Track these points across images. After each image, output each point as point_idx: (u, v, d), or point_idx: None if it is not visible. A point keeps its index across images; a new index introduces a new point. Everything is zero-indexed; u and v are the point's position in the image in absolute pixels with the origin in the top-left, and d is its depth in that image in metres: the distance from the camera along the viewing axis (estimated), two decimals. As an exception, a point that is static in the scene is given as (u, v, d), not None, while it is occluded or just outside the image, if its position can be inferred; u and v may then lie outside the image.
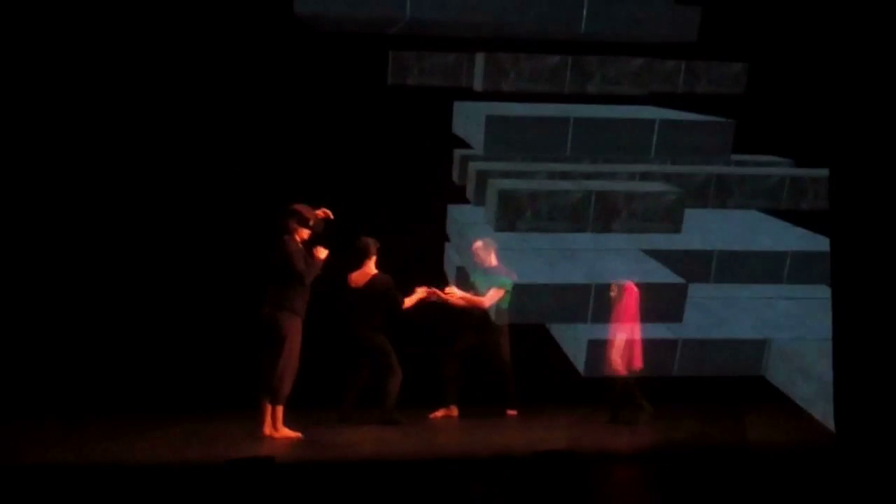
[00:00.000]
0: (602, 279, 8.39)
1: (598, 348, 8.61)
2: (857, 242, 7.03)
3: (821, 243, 9.60)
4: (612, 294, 8.45)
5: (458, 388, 9.31)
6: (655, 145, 8.90)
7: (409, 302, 8.94)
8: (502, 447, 7.80)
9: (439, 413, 9.21)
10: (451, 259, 10.38)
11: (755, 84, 10.17)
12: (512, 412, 9.21)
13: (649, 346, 8.65)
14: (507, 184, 8.59)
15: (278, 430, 8.25)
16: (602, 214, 8.37)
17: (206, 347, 9.20)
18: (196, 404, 8.84)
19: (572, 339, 8.97)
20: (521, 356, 9.45)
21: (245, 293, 8.48)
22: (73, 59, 9.15)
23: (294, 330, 8.16)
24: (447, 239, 10.70)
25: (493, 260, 8.71)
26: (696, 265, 9.31)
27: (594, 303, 8.38)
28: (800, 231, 9.94)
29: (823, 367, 7.86)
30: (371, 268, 9.10)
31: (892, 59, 7.05)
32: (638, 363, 8.38)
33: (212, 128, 9.55)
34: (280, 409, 8.21)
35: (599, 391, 8.82)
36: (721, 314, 9.15)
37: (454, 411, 9.28)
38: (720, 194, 9.51)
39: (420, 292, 9.00)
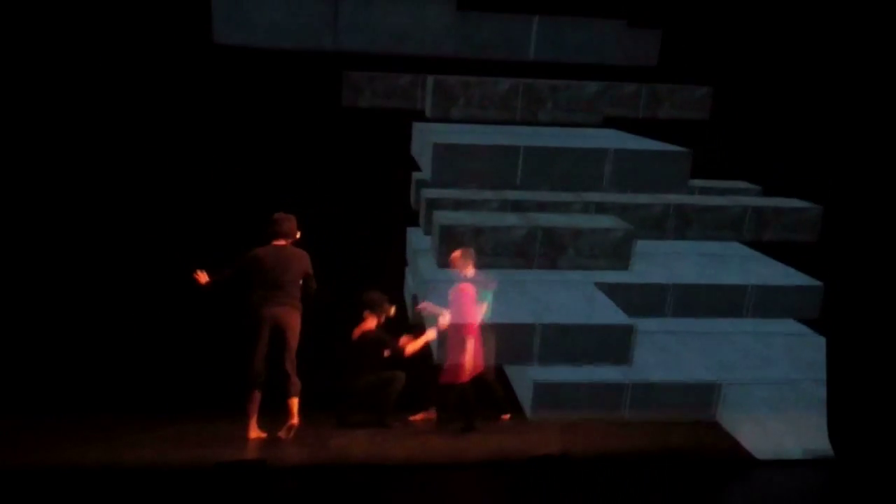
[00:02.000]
0: (550, 318, 8.03)
1: (545, 390, 8.27)
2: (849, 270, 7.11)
3: (787, 276, 9.29)
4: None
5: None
6: (609, 175, 8.55)
7: (410, 349, 8.60)
8: (496, 451, 7.69)
9: (419, 416, 8.85)
10: (409, 284, 10.06)
11: (720, 108, 9.79)
12: (505, 417, 8.82)
13: (598, 389, 8.30)
14: (451, 217, 8.25)
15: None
16: (548, 251, 8.04)
17: (198, 349, 9.11)
18: (188, 405, 8.74)
19: (520, 381, 8.64)
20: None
21: (237, 295, 8.28)
22: (66, 64, 9.10)
23: (300, 325, 8.16)
24: (406, 263, 10.38)
25: (470, 270, 8.34)
26: (651, 298, 8.97)
27: (540, 343, 8.03)
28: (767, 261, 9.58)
29: (777, 419, 7.54)
30: (371, 323, 8.82)
31: (861, 81, 6.76)
32: (481, 365, 8.12)
33: (193, 140, 9.51)
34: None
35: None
36: (675, 352, 8.78)
37: (432, 414, 8.87)
38: (679, 225, 9.16)
39: (418, 343, 8.62)
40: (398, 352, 8.44)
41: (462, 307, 8.01)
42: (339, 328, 8.81)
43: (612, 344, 8.12)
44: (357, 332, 8.63)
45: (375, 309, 8.54)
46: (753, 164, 10.20)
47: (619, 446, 7.67)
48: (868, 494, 6.25)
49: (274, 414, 7.89)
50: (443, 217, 8.11)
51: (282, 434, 7.82)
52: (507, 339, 8.06)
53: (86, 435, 7.95)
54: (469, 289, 8.05)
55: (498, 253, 7.95)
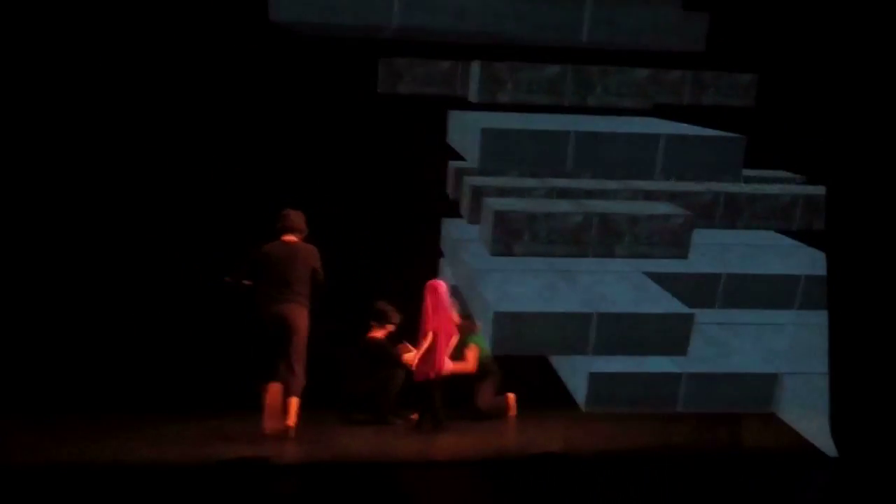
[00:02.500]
0: (602, 307, 7.80)
1: (601, 381, 8.04)
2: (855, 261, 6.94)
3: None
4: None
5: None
6: (661, 162, 8.32)
7: (409, 360, 8.63)
8: (498, 449, 7.76)
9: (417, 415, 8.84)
10: (445, 275, 9.83)
11: (765, 96, 9.59)
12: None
13: (653, 380, 8.07)
14: (504, 204, 8.02)
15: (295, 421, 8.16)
16: (604, 238, 7.81)
17: (199, 347, 9.15)
18: (190, 404, 8.80)
19: (570, 372, 8.41)
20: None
21: (239, 293, 8.41)
22: (66, 63, 9.13)
23: (307, 322, 8.23)
24: (441, 254, 10.14)
25: (454, 317, 8.65)
26: (701, 290, 8.74)
27: (595, 333, 7.79)
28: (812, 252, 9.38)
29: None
30: (377, 332, 8.89)
31: None
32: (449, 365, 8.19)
33: (206, 135, 9.47)
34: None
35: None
36: (728, 344, 8.56)
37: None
38: (729, 214, 8.95)
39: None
40: (399, 363, 8.51)
41: (435, 304, 8.03)
42: (356, 327, 8.85)
43: (669, 334, 7.89)
44: (364, 340, 8.70)
45: (381, 320, 8.65)
46: (797, 154, 10.01)
47: (620, 445, 7.71)
48: (871, 491, 6.28)
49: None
50: (496, 203, 7.88)
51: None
52: (561, 329, 7.81)
53: (87, 434, 7.94)
54: (441, 286, 8.04)
55: (552, 240, 7.72)
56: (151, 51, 9.17)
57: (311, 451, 7.65)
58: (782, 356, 8.43)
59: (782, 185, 9.40)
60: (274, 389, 7.90)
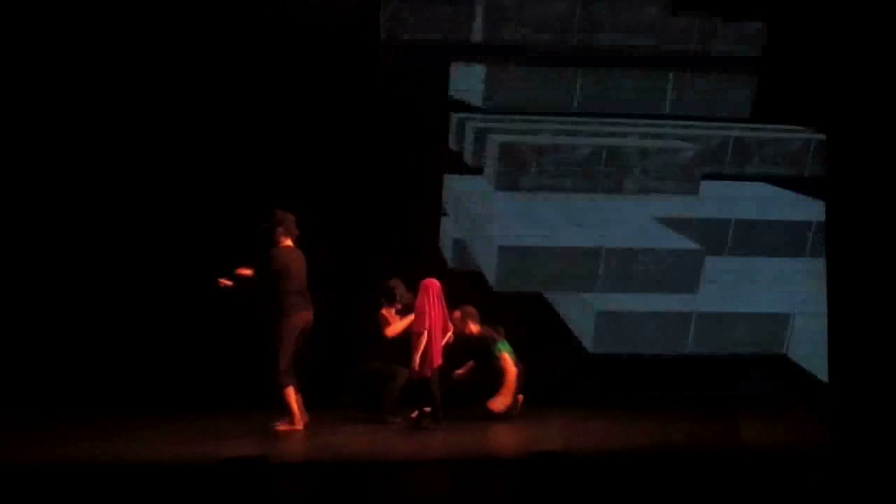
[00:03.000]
0: (613, 244, 7.61)
1: (608, 321, 7.84)
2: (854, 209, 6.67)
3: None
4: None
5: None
6: (670, 101, 8.15)
7: (390, 332, 8.35)
8: (496, 448, 7.68)
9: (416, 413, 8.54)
10: (448, 233, 9.63)
11: (774, 46, 9.42)
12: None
13: (663, 320, 7.88)
14: (510, 137, 7.82)
15: None
16: (614, 172, 7.60)
17: (198, 346, 8.98)
18: (189, 403, 8.69)
19: (578, 313, 8.19)
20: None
21: (240, 293, 8.10)
22: (65, 63, 8.96)
23: None
24: (443, 213, 9.98)
25: (473, 328, 8.22)
26: (712, 235, 8.55)
27: (602, 268, 7.59)
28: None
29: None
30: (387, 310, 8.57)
31: None
32: (439, 360, 8.02)
33: (204, 112, 9.18)
34: None
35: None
36: (738, 288, 8.38)
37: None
38: (738, 159, 8.77)
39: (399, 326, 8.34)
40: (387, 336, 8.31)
41: (430, 303, 7.89)
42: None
43: (679, 270, 7.69)
44: (375, 319, 8.47)
45: (390, 298, 8.36)
46: (803, 106, 9.84)
47: (619, 443, 7.56)
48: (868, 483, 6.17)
49: (273, 410, 7.90)
50: (501, 137, 7.67)
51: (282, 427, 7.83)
52: (568, 263, 7.61)
53: (87, 432, 7.93)
54: (435, 285, 7.90)
55: (560, 174, 7.51)
56: (147, 48, 9.03)
57: (310, 449, 7.62)
58: (793, 299, 8.25)
59: (793, 130, 9.22)
60: (294, 391, 7.91)
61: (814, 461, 6.60)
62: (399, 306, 8.32)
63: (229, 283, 7.75)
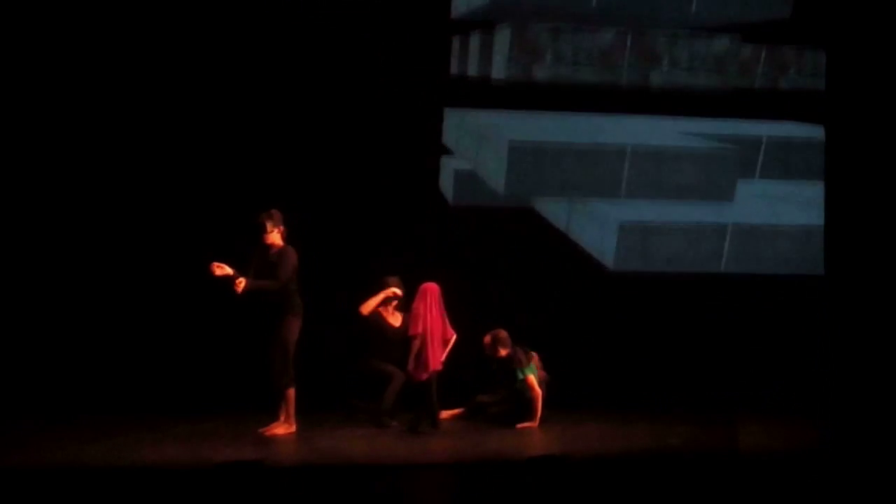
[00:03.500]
0: (638, 143, 6.71)
1: (633, 234, 6.93)
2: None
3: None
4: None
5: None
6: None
7: (365, 309, 8.21)
8: (495, 452, 7.61)
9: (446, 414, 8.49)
10: (448, 168, 8.88)
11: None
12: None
13: (694, 233, 6.99)
14: (521, 24, 6.92)
15: None
16: (639, 60, 6.71)
17: (196, 349, 8.93)
18: (187, 406, 8.65)
19: (596, 229, 7.27)
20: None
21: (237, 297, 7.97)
22: (64, 64, 8.85)
23: None
24: (443, 151, 9.16)
25: (503, 352, 8.13)
26: (743, 156, 7.72)
27: (627, 171, 6.68)
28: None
29: None
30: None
31: None
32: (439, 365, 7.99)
33: (197, 109, 9.07)
34: None
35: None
36: (774, 205, 7.57)
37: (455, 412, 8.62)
38: (770, 71, 7.92)
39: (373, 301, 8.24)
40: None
41: (428, 306, 7.88)
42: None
43: (713, 174, 6.80)
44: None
45: (381, 286, 8.29)
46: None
47: (618, 446, 7.57)
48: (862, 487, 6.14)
49: (269, 413, 7.94)
50: (511, 25, 6.78)
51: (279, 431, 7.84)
52: (589, 164, 6.70)
53: (85, 435, 7.93)
54: (435, 289, 7.87)
55: (579, 62, 6.63)
56: (143, 48, 8.90)
57: (308, 452, 7.58)
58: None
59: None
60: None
61: (811, 464, 6.53)
62: (396, 303, 8.27)
63: (229, 270, 7.60)
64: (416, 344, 7.90)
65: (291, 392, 7.91)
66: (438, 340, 7.98)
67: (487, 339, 8.25)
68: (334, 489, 6.65)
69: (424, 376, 7.91)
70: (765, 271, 7.22)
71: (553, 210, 7.93)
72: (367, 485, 6.75)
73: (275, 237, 7.85)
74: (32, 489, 6.46)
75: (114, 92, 8.99)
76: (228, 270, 7.66)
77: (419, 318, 7.88)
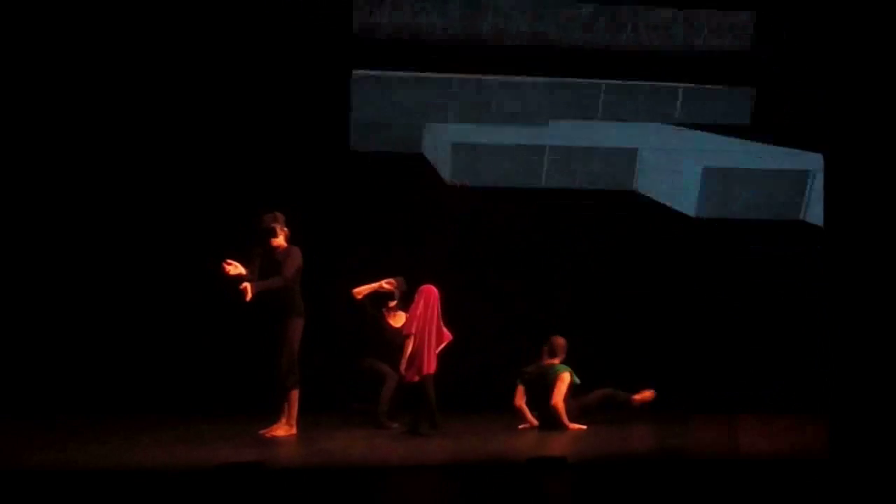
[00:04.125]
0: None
1: (463, 152, 8.26)
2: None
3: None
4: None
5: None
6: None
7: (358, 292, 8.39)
8: (494, 453, 7.63)
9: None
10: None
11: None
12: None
13: (517, 152, 8.31)
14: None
15: None
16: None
17: (196, 350, 9.12)
18: (186, 407, 8.75)
19: (440, 147, 8.62)
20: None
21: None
22: (64, 64, 8.96)
23: None
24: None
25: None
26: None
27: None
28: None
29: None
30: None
31: None
32: (433, 367, 7.99)
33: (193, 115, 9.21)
34: None
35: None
36: (592, 128, 8.80)
37: None
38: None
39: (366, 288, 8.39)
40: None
41: (425, 307, 7.90)
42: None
43: (530, 104, 8.12)
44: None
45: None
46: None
47: (617, 449, 7.67)
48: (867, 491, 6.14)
49: (270, 414, 7.91)
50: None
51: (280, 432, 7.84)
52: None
53: (84, 436, 7.98)
54: (433, 291, 7.92)
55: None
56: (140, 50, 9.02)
57: (308, 454, 7.64)
58: (643, 134, 8.68)
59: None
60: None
61: (813, 468, 6.56)
62: (395, 304, 8.36)
63: (242, 269, 7.50)
64: (409, 345, 7.84)
65: (295, 393, 7.80)
66: (434, 343, 7.90)
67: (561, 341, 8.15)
68: (334, 491, 6.56)
69: (416, 378, 7.85)
70: (580, 186, 8.50)
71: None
72: (368, 486, 6.69)
73: (281, 240, 7.76)
74: (31, 491, 6.36)
75: (112, 93, 8.99)
76: (241, 269, 7.48)
77: (414, 319, 7.83)
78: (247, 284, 7.30)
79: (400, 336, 8.05)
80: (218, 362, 8.91)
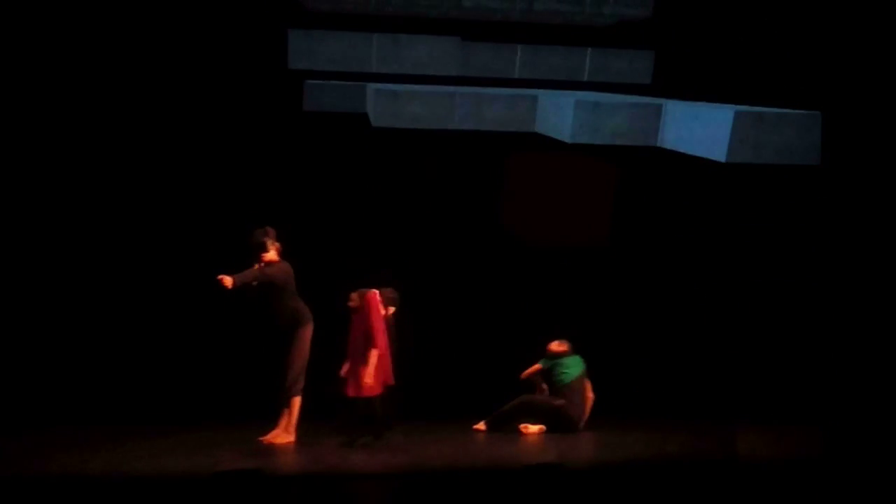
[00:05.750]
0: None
1: (385, 97, 9.44)
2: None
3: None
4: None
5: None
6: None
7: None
8: (491, 460, 7.77)
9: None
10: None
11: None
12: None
13: (433, 97, 9.43)
14: None
15: None
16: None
17: (195, 357, 9.36)
18: (186, 414, 8.91)
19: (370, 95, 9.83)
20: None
21: (238, 304, 8.35)
22: (63, 65, 9.23)
23: None
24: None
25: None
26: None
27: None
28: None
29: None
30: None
31: None
32: (390, 378, 8.09)
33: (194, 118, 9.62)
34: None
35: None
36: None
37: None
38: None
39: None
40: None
41: (368, 316, 7.94)
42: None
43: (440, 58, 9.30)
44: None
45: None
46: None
47: (614, 455, 7.71)
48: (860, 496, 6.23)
49: (269, 422, 8.00)
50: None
51: (278, 439, 7.91)
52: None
53: (85, 445, 7.97)
54: (375, 297, 7.97)
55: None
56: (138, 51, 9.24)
57: (306, 461, 7.68)
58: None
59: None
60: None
61: (809, 472, 6.61)
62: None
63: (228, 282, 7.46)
64: (375, 354, 7.77)
65: (297, 401, 7.79)
66: (389, 353, 7.98)
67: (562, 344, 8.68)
68: (332, 498, 6.67)
69: (378, 391, 7.85)
70: (486, 128, 9.58)
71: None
72: (366, 494, 6.82)
73: (272, 254, 7.82)
74: (33, 499, 6.45)
75: (112, 94, 9.22)
76: (230, 282, 7.42)
77: (378, 331, 7.74)
78: (224, 276, 7.37)
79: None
80: (217, 370, 9.04)
